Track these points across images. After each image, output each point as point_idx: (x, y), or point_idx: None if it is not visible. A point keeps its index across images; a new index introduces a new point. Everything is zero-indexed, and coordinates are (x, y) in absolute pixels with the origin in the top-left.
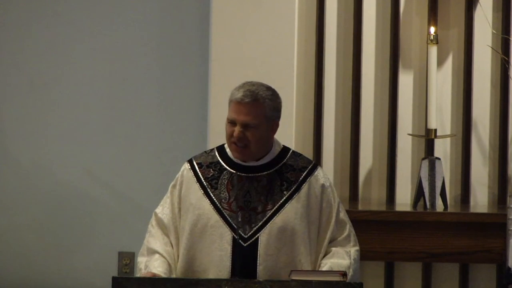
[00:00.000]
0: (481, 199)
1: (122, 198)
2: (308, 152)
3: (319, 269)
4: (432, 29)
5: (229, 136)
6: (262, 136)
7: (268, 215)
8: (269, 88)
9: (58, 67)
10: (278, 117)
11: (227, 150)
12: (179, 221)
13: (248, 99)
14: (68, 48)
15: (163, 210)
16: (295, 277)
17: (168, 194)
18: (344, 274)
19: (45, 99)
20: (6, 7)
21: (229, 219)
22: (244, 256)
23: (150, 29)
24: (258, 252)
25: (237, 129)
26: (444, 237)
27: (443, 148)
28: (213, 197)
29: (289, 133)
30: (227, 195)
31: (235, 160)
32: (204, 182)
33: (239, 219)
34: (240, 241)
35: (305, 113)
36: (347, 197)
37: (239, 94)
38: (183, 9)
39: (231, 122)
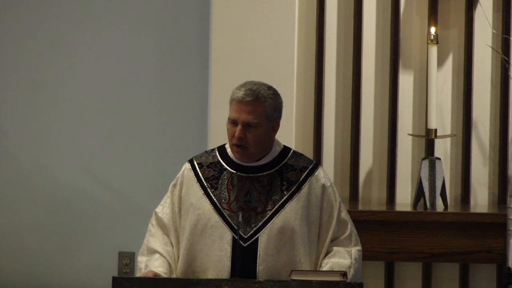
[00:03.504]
0: (481, 199)
1: (122, 198)
2: (308, 152)
3: (320, 269)
4: (432, 29)
5: (231, 137)
6: (262, 136)
7: (268, 215)
8: (270, 88)
9: (58, 67)
10: (279, 117)
11: (228, 150)
12: (179, 221)
13: (249, 97)
14: (68, 48)
15: (163, 209)
16: (295, 277)
17: (169, 193)
18: (344, 274)
19: (45, 99)
20: (6, 7)
21: (229, 219)
22: (244, 256)
23: (150, 29)
24: (258, 252)
25: (238, 129)
26: (444, 237)
27: (443, 148)
28: (213, 197)
29: (289, 133)
30: (227, 195)
31: (235, 160)
32: (205, 182)
33: (239, 219)
34: (240, 241)
35: (305, 113)
36: (347, 197)
37: (240, 93)
38: (183, 9)
39: (232, 122)
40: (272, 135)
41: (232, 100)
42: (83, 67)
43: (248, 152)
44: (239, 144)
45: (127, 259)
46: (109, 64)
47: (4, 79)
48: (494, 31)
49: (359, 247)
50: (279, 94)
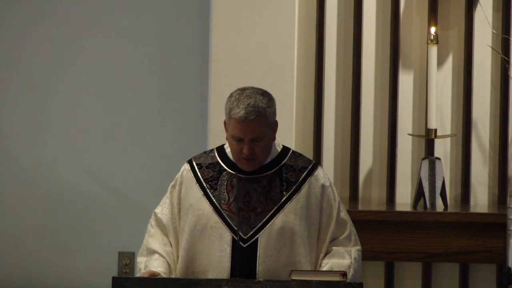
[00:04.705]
0: (481, 199)
1: (122, 198)
2: (308, 152)
3: (320, 269)
4: (432, 29)
5: (238, 152)
6: (268, 144)
7: (267, 216)
8: (263, 94)
9: (58, 67)
10: (275, 116)
11: (227, 151)
12: (179, 222)
13: (252, 116)
14: (68, 48)
15: (162, 210)
16: (295, 277)
17: (168, 194)
18: (344, 274)
19: (45, 99)
20: (6, 7)
21: (228, 220)
22: (243, 257)
23: (150, 29)
24: (258, 253)
25: (246, 147)
26: (444, 237)
27: (443, 148)
28: (213, 198)
29: (289, 133)
30: (227, 196)
31: (234, 161)
32: (204, 183)
33: (239, 220)
34: (239, 242)
35: (305, 113)
36: (347, 197)
37: (241, 112)
38: (183, 9)
39: (237, 139)
40: (274, 137)
41: (231, 118)
42: (82, 67)
43: (257, 162)
44: (249, 158)
45: (127, 259)
46: (109, 64)
47: (4, 79)
48: (494, 31)
49: (358, 247)
50: (271, 96)
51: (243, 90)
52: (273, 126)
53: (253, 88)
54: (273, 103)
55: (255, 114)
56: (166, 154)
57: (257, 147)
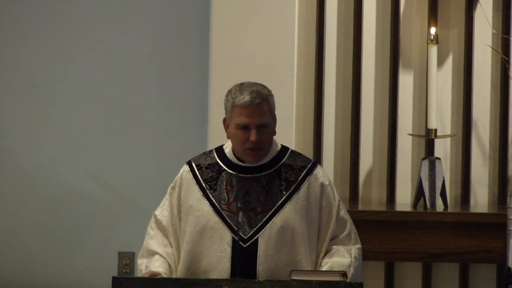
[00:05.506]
0: (481, 199)
1: (122, 198)
2: (308, 152)
3: (320, 269)
4: (433, 29)
5: (244, 141)
6: (272, 133)
7: (267, 216)
8: (264, 86)
9: (58, 67)
10: (275, 109)
11: (226, 151)
12: (179, 223)
13: (257, 100)
14: (68, 48)
15: (162, 212)
16: (295, 277)
17: (167, 196)
18: (344, 274)
19: (45, 99)
20: (6, 7)
21: (228, 220)
22: (244, 257)
23: (150, 29)
24: (258, 253)
25: (253, 133)
26: (444, 237)
27: (443, 148)
28: (212, 199)
29: (289, 133)
30: (226, 196)
31: (233, 161)
32: (203, 184)
33: (239, 220)
34: (240, 242)
35: (305, 113)
36: (347, 197)
37: (245, 98)
38: (183, 9)
39: (243, 127)
40: (275, 130)
41: (235, 106)
42: (83, 67)
43: (262, 152)
44: (255, 147)
45: (127, 259)
46: (109, 64)
47: (4, 79)
48: (494, 31)
49: (358, 245)
50: (270, 90)
51: (241, 83)
52: (275, 117)
53: (251, 82)
54: (272, 94)
55: (260, 99)
56: (166, 154)
57: (263, 134)
